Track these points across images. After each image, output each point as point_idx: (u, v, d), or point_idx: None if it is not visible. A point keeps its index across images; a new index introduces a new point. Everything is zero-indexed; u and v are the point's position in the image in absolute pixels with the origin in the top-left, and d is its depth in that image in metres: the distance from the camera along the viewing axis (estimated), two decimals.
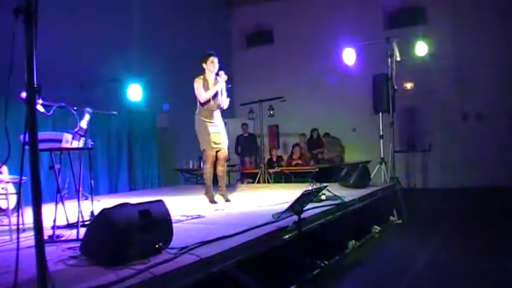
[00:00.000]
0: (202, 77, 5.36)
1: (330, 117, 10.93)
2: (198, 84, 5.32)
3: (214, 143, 5.31)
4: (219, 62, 5.41)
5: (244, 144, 10.49)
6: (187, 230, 3.55)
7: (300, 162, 9.94)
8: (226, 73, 5.37)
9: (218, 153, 5.39)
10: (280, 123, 11.14)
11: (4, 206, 4.06)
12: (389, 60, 7.53)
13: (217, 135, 5.38)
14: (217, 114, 5.45)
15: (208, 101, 5.32)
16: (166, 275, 2.31)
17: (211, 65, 5.33)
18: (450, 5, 10.33)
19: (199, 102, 5.36)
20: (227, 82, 5.40)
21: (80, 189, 3.72)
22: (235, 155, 10.44)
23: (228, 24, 12.85)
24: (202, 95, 5.29)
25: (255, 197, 6.14)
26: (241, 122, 10.68)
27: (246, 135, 10.55)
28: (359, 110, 10.10)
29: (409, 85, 10.56)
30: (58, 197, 3.53)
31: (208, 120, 5.34)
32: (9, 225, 3.49)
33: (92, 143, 3.94)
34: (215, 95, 5.36)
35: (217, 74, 5.38)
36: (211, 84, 5.36)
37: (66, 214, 3.81)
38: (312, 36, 11.28)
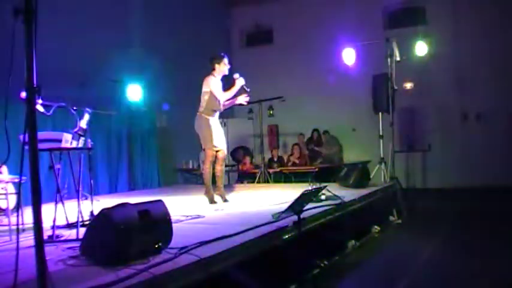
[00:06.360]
0: (212, 75, 5.39)
1: (330, 117, 10.92)
2: (213, 82, 5.34)
3: (216, 142, 5.34)
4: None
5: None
6: (187, 230, 3.55)
7: (297, 161, 9.95)
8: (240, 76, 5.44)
9: (218, 153, 5.41)
10: (280, 123, 11.13)
11: (4, 206, 4.06)
12: (389, 60, 7.52)
13: (219, 135, 5.42)
14: (217, 114, 5.49)
15: (219, 101, 5.36)
16: (166, 275, 2.31)
17: (225, 67, 5.41)
18: (450, 5, 10.32)
19: (209, 101, 5.33)
20: (246, 86, 5.45)
21: (80, 189, 3.72)
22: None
23: (228, 24, 12.84)
24: (222, 94, 5.36)
25: (255, 197, 6.14)
26: (240, 123, 10.77)
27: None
28: (359, 110, 10.08)
29: (409, 85, 10.55)
30: (58, 197, 3.53)
31: (212, 120, 5.37)
32: (9, 225, 3.49)
33: (92, 143, 3.94)
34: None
35: (225, 76, 5.46)
36: (219, 84, 5.43)
37: (66, 214, 3.82)
38: (312, 36, 11.26)
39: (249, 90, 5.46)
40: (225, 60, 5.40)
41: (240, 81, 5.41)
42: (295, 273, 3.60)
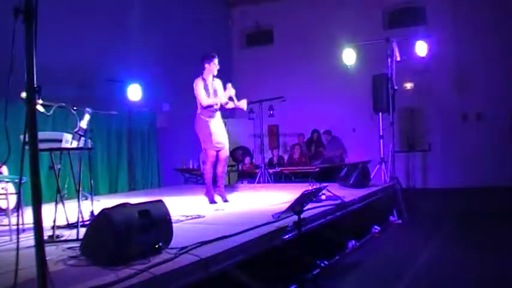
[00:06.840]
0: (201, 78, 5.39)
1: (330, 117, 10.92)
2: (199, 86, 5.34)
3: (217, 142, 5.33)
4: (220, 62, 5.46)
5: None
6: (187, 230, 3.55)
7: (297, 162, 9.96)
8: (233, 86, 5.47)
9: (219, 153, 5.39)
10: (280, 123, 11.14)
11: (4, 206, 4.06)
12: (389, 60, 7.53)
13: (219, 134, 5.40)
14: (218, 113, 5.48)
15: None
16: (166, 275, 2.31)
17: (214, 67, 5.41)
18: (450, 5, 10.32)
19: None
20: (231, 99, 5.50)
21: (80, 189, 3.72)
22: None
23: (228, 23, 12.85)
24: (204, 99, 5.31)
25: (255, 197, 6.14)
26: (240, 123, 10.77)
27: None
28: (359, 110, 10.09)
29: (409, 85, 10.56)
30: (58, 197, 3.53)
31: (210, 120, 5.36)
32: (9, 225, 3.49)
33: (92, 143, 3.94)
34: (215, 93, 5.42)
35: (215, 76, 5.48)
36: (210, 84, 5.42)
37: (66, 214, 3.82)
38: (312, 36, 11.27)
39: (236, 103, 5.48)
40: (215, 60, 5.40)
41: (229, 91, 5.43)
42: (295, 273, 3.60)
